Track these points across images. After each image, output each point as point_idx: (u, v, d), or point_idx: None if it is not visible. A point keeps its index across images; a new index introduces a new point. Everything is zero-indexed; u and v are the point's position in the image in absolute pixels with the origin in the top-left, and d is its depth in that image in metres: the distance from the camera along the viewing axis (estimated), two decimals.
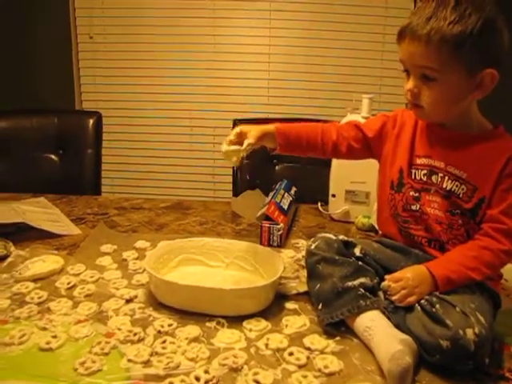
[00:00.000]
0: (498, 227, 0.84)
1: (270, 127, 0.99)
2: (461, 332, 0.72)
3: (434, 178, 0.90)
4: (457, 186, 0.87)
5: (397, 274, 0.84)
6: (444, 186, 0.88)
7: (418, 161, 0.92)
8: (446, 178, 0.88)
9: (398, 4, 2.49)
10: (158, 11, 2.57)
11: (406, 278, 0.82)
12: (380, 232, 1.09)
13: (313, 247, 0.91)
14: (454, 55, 0.80)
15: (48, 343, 0.80)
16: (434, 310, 0.77)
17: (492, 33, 0.81)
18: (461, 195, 0.87)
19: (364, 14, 2.50)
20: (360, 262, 0.89)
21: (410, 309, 0.81)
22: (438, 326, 0.74)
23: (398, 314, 0.81)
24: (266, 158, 1.81)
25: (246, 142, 0.95)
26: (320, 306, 0.86)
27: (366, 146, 1.02)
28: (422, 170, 0.92)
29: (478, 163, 0.86)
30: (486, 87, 0.83)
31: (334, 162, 1.41)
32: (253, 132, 0.96)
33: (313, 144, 1.01)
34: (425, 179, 0.91)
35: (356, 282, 0.84)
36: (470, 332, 0.71)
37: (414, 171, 0.93)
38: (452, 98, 0.85)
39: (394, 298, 0.82)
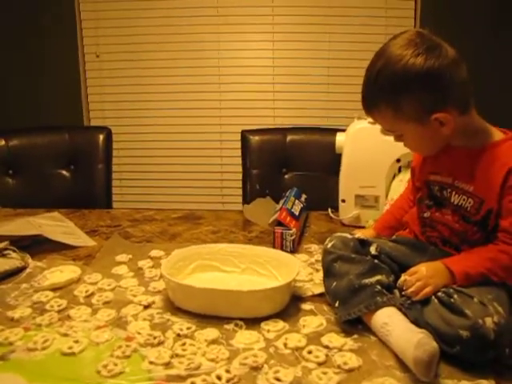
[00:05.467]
0: None
1: (372, 232, 1.11)
2: (480, 321, 0.72)
3: (444, 192, 0.92)
4: (464, 199, 0.88)
5: (412, 269, 0.86)
6: (452, 200, 0.90)
7: (432, 177, 0.95)
8: (454, 192, 0.90)
9: (398, 13, 2.54)
10: (162, 28, 2.63)
11: (421, 271, 0.84)
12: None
13: (329, 246, 0.93)
14: (396, 117, 0.86)
15: (70, 348, 0.81)
16: (452, 300, 0.77)
17: (416, 85, 0.82)
18: (468, 208, 0.87)
19: (365, 24, 2.54)
20: (376, 260, 0.90)
21: (426, 302, 0.81)
22: (456, 317, 0.75)
23: (414, 308, 0.82)
24: (274, 167, 1.84)
25: None
26: (337, 304, 0.87)
27: None
28: (435, 186, 0.94)
29: (483, 175, 0.86)
30: (448, 125, 0.84)
31: (343, 168, 1.42)
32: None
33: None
34: (438, 194, 0.93)
35: (372, 280, 0.86)
36: (489, 321, 0.72)
37: (431, 187, 0.95)
38: (422, 143, 0.91)
39: (409, 290, 0.83)
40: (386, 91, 0.85)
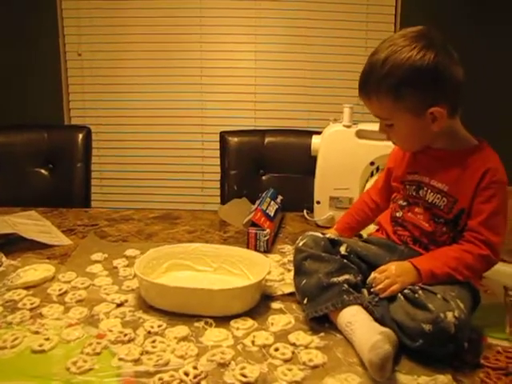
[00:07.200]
0: (477, 237, 0.89)
1: (334, 233, 1.11)
2: (442, 315, 0.75)
3: (421, 192, 0.95)
4: (438, 198, 0.92)
5: (382, 267, 0.89)
6: (427, 198, 0.94)
7: (409, 177, 0.98)
8: (429, 191, 0.94)
9: (378, 19, 2.58)
10: (145, 28, 2.63)
11: (390, 269, 0.87)
12: (364, 236, 1.13)
13: (300, 244, 0.95)
14: (394, 105, 0.88)
15: (40, 345, 0.81)
16: (416, 296, 0.81)
17: (422, 78, 0.85)
18: (442, 207, 0.92)
19: (346, 28, 2.58)
20: (345, 260, 0.92)
21: (393, 299, 0.84)
22: (420, 311, 0.78)
23: (382, 305, 0.84)
24: (252, 168, 1.86)
25: None
26: (305, 301, 0.89)
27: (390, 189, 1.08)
28: (412, 185, 0.97)
29: (459, 177, 0.91)
30: (439, 121, 0.88)
31: (318, 170, 1.45)
32: None
33: (368, 222, 1.16)
34: (414, 194, 0.97)
35: (341, 278, 0.88)
36: (450, 315, 0.75)
37: (407, 186, 0.98)
38: (411, 135, 0.93)
39: (378, 287, 0.86)
40: (392, 79, 0.86)
